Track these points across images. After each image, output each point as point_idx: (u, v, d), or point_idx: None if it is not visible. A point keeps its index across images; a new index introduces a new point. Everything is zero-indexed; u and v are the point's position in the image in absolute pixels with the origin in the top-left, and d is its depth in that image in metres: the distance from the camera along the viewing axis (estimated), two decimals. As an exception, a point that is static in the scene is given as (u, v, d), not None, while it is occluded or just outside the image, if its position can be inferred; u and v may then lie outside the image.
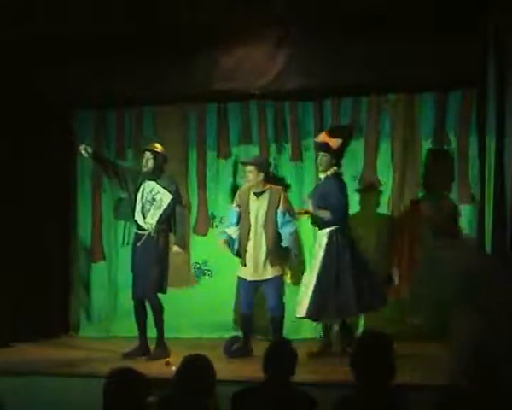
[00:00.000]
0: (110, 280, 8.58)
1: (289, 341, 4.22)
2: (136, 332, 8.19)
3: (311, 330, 7.29)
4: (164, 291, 7.02)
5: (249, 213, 7.07)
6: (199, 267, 8.11)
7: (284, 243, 6.96)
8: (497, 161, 6.29)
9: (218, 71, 7.38)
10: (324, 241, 6.82)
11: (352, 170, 7.91)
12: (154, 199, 7.02)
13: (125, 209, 8.50)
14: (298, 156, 8.02)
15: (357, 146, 7.95)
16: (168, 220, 7.03)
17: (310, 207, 6.87)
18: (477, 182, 7.08)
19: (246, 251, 7.06)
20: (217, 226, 8.16)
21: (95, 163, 7.30)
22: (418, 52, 6.82)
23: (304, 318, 6.94)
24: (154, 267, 6.91)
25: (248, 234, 7.04)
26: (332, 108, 8.02)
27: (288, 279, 7.65)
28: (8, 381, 6.02)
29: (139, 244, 6.98)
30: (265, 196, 7.08)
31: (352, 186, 7.82)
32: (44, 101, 7.99)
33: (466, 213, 7.59)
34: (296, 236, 7.21)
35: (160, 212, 6.99)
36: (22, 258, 7.87)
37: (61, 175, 8.54)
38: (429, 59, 6.82)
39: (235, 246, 7.11)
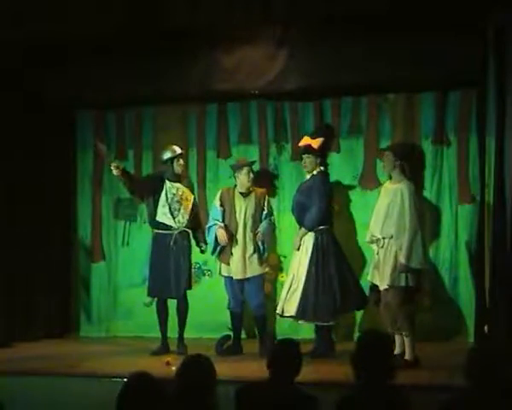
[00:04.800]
0: (110, 280, 8.59)
1: (297, 342, 4.22)
2: (136, 332, 8.27)
3: (309, 331, 7.26)
4: (190, 288, 7.33)
5: (235, 211, 7.20)
6: (199, 267, 8.12)
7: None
8: (497, 161, 6.30)
9: (218, 71, 7.38)
10: (311, 241, 6.86)
11: (351, 170, 7.92)
12: (181, 199, 7.25)
13: (125, 209, 8.57)
14: (298, 156, 8.02)
15: (357, 146, 7.96)
16: (195, 218, 7.32)
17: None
18: (477, 182, 7.08)
19: (231, 252, 7.16)
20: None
21: (122, 179, 7.27)
22: (418, 52, 6.82)
23: (290, 317, 6.98)
24: (187, 265, 7.24)
25: (235, 233, 7.16)
26: (332, 108, 8.01)
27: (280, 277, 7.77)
28: (8, 381, 6.02)
29: (172, 243, 7.16)
30: (252, 197, 7.22)
31: (351, 186, 7.89)
32: (44, 101, 7.98)
33: (466, 214, 7.60)
34: (269, 232, 7.27)
35: (189, 211, 7.25)
36: (22, 258, 7.86)
37: (61, 175, 8.54)
38: (429, 59, 6.82)
39: (214, 243, 7.23)
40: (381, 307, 6.57)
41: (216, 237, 7.19)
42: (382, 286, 6.46)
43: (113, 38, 7.03)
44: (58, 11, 6.81)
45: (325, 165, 7.12)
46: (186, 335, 7.30)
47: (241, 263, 7.14)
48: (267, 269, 7.36)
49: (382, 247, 6.48)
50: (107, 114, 8.65)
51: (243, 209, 7.20)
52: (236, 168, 7.30)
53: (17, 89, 7.73)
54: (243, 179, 7.21)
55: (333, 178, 7.50)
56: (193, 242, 7.39)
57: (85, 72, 7.57)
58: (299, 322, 7.03)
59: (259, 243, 7.16)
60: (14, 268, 7.82)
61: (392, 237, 6.43)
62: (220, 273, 7.34)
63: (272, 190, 7.97)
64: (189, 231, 7.32)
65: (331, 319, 6.94)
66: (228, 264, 7.20)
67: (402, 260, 6.33)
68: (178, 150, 7.32)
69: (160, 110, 8.45)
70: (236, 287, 7.22)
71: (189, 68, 7.40)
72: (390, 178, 6.72)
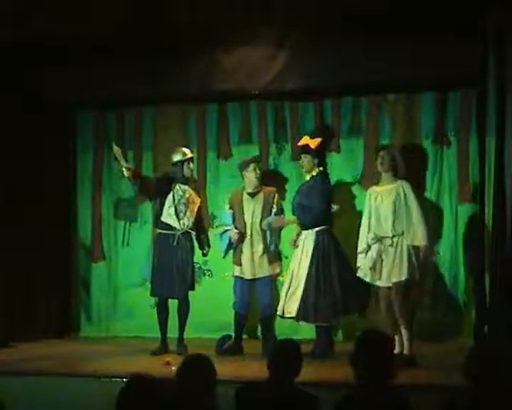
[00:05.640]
0: (110, 280, 8.59)
1: (297, 342, 4.22)
2: (135, 332, 8.27)
3: (309, 331, 7.26)
4: (193, 288, 7.34)
5: (243, 213, 7.23)
6: (199, 267, 8.11)
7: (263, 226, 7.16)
8: (497, 161, 6.29)
9: (218, 71, 7.38)
10: (312, 241, 6.87)
11: (351, 170, 7.92)
12: (188, 201, 7.26)
13: (125, 209, 8.58)
14: (298, 156, 8.01)
15: (357, 146, 7.96)
16: (199, 222, 7.37)
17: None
18: (477, 182, 7.08)
19: (241, 251, 7.17)
20: (217, 227, 8.17)
21: (132, 181, 7.27)
22: (418, 52, 6.82)
23: (291, 318, 6.98)
24: (191, 265, 7.26)
25: (244, 234, 7.18)
26: (332, 108, 8.02)
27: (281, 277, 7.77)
28: (8, 381, 6.02)
29: (175, 244, 7.18)
30: (260, 197, 7.24)
31: (351, 186, 7.89)
32: (44, 101, 7.98)
33: (466, 213, 7.61)
34: (277, 229, 7.26)
35: (194, 214, 7.27)
36: (22, 258, 7.86)
37: (61, 175, 8.54)
38: (429, 59, 6.82)
39: (227, 247, 7.30)
40: (382, 307, 6.58)
41: (228, 242, 7.25)
42: (389, 283, 6.49)
43: (113, 37, 7.02)
44: (58, 11, 6.81)
45: (324, 165, 7.12)
46: (186, 335, 7.30)
47: (251, 263, 7.19)
48: (278, 270, 7.35)
49: (391, 245, 6.50)
50: (107, 114, 8.65)
51: (251, 210, 7.23)
52: (243, 166, 7.32)
53: (17, 89, 7.73)
54: (250, 176, 7.24)
55: (333, 178, 7.50)
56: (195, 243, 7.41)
57: (85, 72, 7.57)
58: (300, 323, 7.04)
59: (267, 236, 7.16)
60: (14, 268, 7.81)
61: (402, 233, 6.48)
62: (232, 274, 7.35)
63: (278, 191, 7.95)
64: (192, 233, 7.32)
65: (332, 320, 6.95)
66: (240, 264, 7.24)
67: (424, 243, 6.45)
68: (189, 153, 7.34)
69: (160, 110, 8.45)
70: (245, 288, 7.24)
71: (189, 68, 7.40)
72: (379, 178, 6.75)
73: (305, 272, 6.83)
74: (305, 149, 7.00)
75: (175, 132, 8.33)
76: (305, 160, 7.00)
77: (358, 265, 6.72)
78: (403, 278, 6.42)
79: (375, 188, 6.79)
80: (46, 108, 8.10)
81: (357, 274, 6.71)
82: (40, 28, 6.91)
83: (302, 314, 6.83)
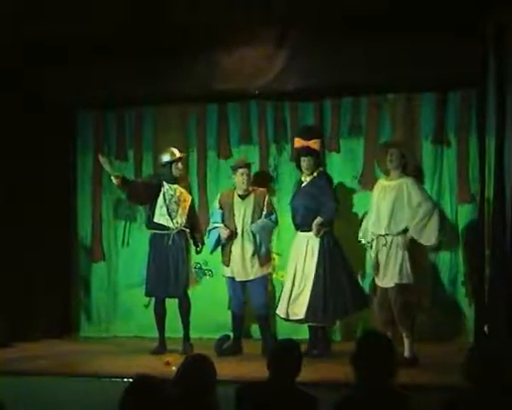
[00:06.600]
0: (110, 280, 8.59)
1: (297, 342, 4.22)
2: (135, 332, 8.28)
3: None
4: (188, 286, 7.34)
5: (234, 214, 7.20)
6: (199, 267, 8.12)
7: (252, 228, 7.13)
8: (497, 161, 6.30)
9: (218, 71, 7.39)
10: (317, 242, 6.87)
11: (351, 170, 7.92)
12: (179, 200, 7.26)
13: (124, 209, 8.58)
14: (297, 158, 8.02)
15: (357, 146, 7.96)
16: (192, 219, 7.34)
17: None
18: (477, 182, 7.08)
19: (230, 252, 7.17)
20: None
21: (121, 188, 7.30)
22: (418, 52, 6.82)
23: (297, 321, 6.97)
24: (186, 264, 7.26)
25: (234, 232, 7.16)
26: (332, 108, 8.02)
27: (280, 277, 7.75)
28: (8, 381, 6.02)
29: (170, 243, 7.17)
30: (250, 199, 7.22)
31: (352, 186, 7.89)
32: (44, 101, 7.98)
33: (466, 214, 7.61)
34: (267, 231, 7.24)
35: (187, 211, 7.28)
36: (22, 258, 7.87)
37: (61, 175, 8.54)
38: (429, 59, 6.82)
39: (214, 243, 7.27)
40: (376, 306, 6.60)
41: (216, 239, 7.22)
42: (384, 284, 6.49)
43: (113, 37, 7.02)
44: (58, 11, 6.81)
45: (323, 165, 7.14)
46: (186, 335, 7.30)
47: (242, 265, 7.14)
48: (269, 270, 7.34)
49: (385, 245, 6.50)
50: (107, 114, 8.65)
51: (242, 211, 7.20)
52: (233, 169, 7.32)
53: (17, 89, 7.73)
54: (238, 181, 7.22)
55: (333, 178, 7.49)
56: (190, 241, 7.41)
57: (85, 72, 7.57)
58: (308, 324, 7.01)
59: (257, 240, 7.15)
60: (14, 268, 7.81)
61: (399, 233, 6.46)
62: (223, 274, 7.34)
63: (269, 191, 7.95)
64: (187, 231, 7.32)
65: (339, 320, 6.96)
66: (227, 265, 7.21)
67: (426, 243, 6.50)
68: (178, 154, 7.32)
69: (160, 110, 8.45)
70: (238, 288, 7.22)
71: (189, 68, 7.41)
72: (388, 174, 6.74)
73: (313, 274, 6.82)
74: (307, 150, 6.98)
75: (175, 132, 8.34)
76: (310, 161, 6.98)
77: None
78: (393, 283, 6.41)
79: (382, 181, 6.78)
80: (46, 108, 8.10)
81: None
82: (40, 28, 6.91)
83: (311, 316, 6.81)
